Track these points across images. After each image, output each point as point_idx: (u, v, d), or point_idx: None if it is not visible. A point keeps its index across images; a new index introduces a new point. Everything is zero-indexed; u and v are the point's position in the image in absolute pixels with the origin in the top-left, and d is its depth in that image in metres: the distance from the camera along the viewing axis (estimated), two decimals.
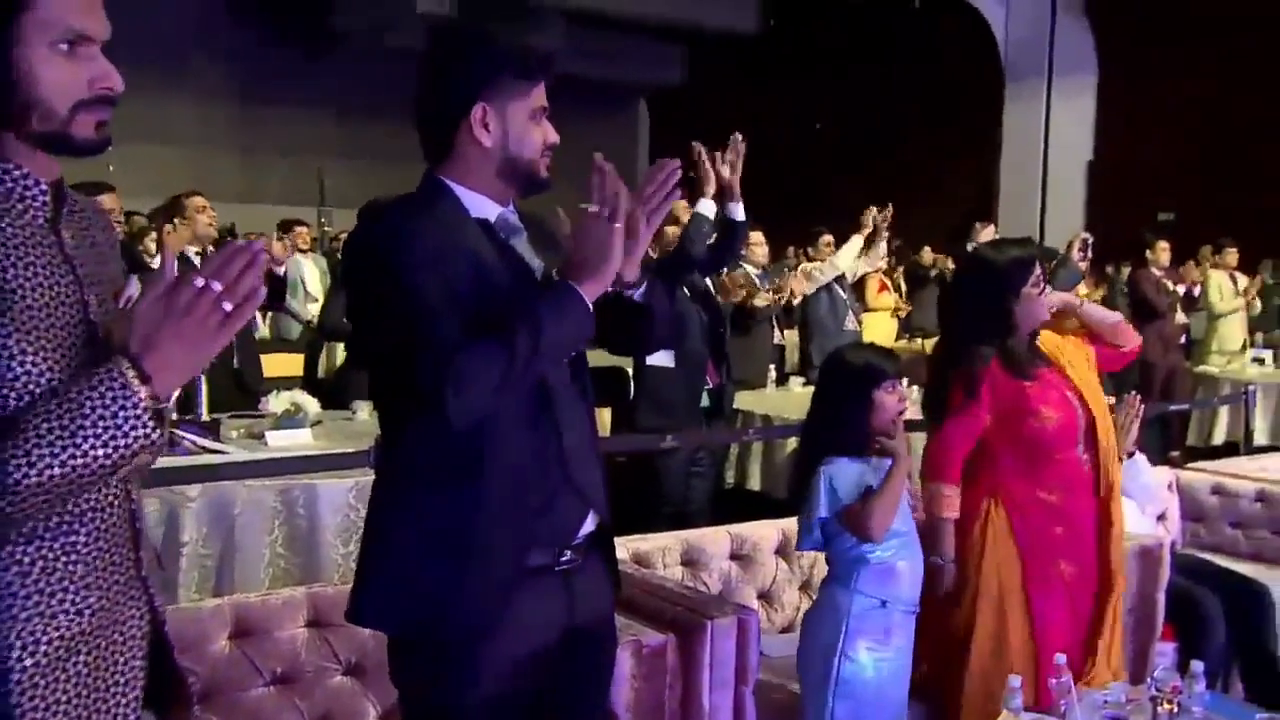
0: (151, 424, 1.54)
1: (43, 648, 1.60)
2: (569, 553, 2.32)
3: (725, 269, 6.82)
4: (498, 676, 2.24)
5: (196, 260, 6.22)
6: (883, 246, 9.00)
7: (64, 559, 1.63)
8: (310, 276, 10.65)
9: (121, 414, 1.52)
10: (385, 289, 2.13)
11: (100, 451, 1.51)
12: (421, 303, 2.09)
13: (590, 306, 2.15)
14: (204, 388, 5.33)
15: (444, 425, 2.08)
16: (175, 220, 6.33)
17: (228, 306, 1.53)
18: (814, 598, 3.65)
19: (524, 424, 2.22)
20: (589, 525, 2.35)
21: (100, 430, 1.51)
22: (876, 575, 3.31)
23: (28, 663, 1.59)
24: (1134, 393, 3.83)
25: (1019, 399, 3.57)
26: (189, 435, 4.74)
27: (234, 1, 18.33)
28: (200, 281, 1.52)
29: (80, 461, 1.50)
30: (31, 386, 1.57)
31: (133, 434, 1.53)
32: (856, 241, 8.63)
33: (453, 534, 2.19)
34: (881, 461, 3.34)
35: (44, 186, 1.67)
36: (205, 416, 5.21)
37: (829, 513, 3.30)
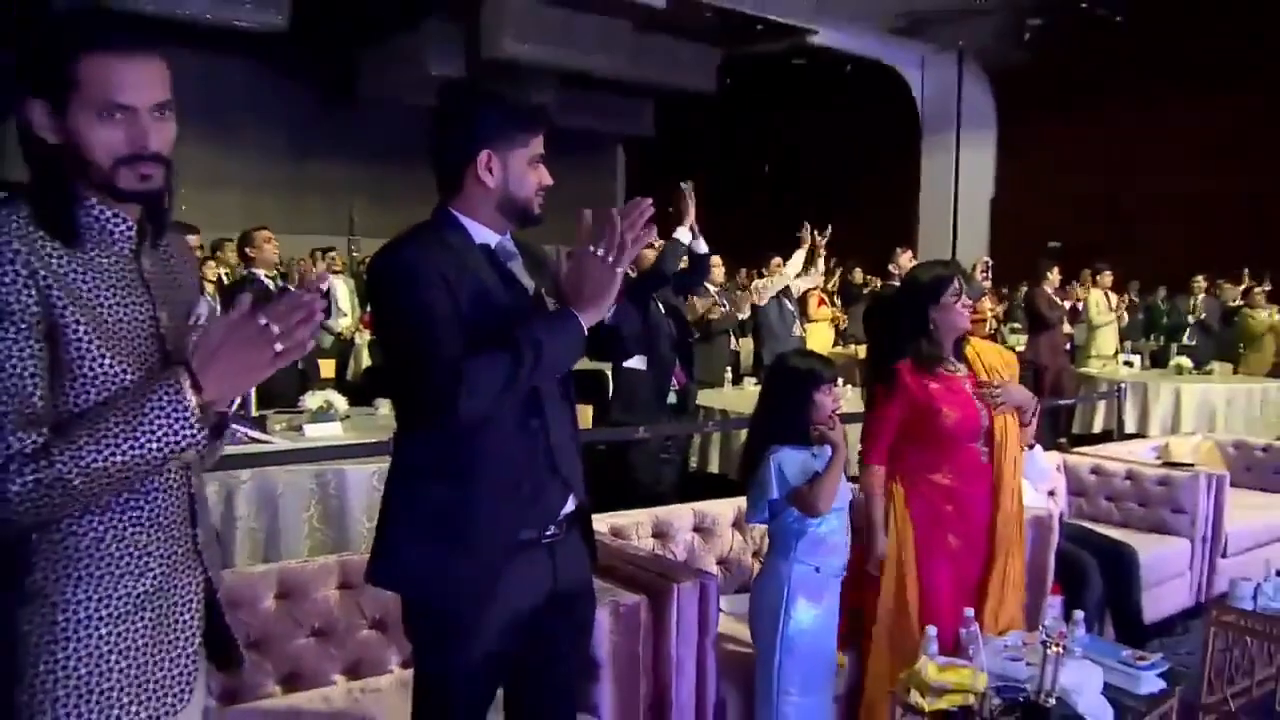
0: (197, 426, 1.57)
1: (114, 603, 1.64)
2: (553, 528, 2.32)
3: (693, 292, 6.86)
4: (493, 635, 2.24)
5: (268, 282, 6.26)
6: (821, 264, 9.00)
7: (130, 530, 1.67)
8: (341, 294, 10.63)
9: (174, 415, 1.55)
10: (402, 307, 2.14)
11: (154, 445, 1.55)
12: (432, 319, 2.10)
13: (585, 332, 2.16)
14: (253, 392, 5.34)
15: (451, 423, 2.09)
16: (248, 249, 6.38)
17: (279, 347, 1.57)
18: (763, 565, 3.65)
19: (517, 423, 2.23)
20: (570, 506, 2.36)
21: (156, 428, 1.54)
22: (812, 545, 3.32)
23: (104, 613, 1.63)
24: (1034, 399, 3.82)
25: (926, 397, 3.59)
26: (241, 428, 4.73)
27: (279, 72, 18.39)
28: (264, 321, 1.56)
29: (137, 452, 1.54)
30: (109, 385, 1.61)
31: (182, 433, 1.56)
32: (800, 255, 8.65)
33: (453, 514, 2.19)
34: (822, 449, 3.35)
35: (131, 223, 1.71)
36: (254, 413, 5.21)
37: (779, 494, 3.31)
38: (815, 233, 8.49)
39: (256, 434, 4.84)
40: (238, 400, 1.73)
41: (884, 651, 3.52)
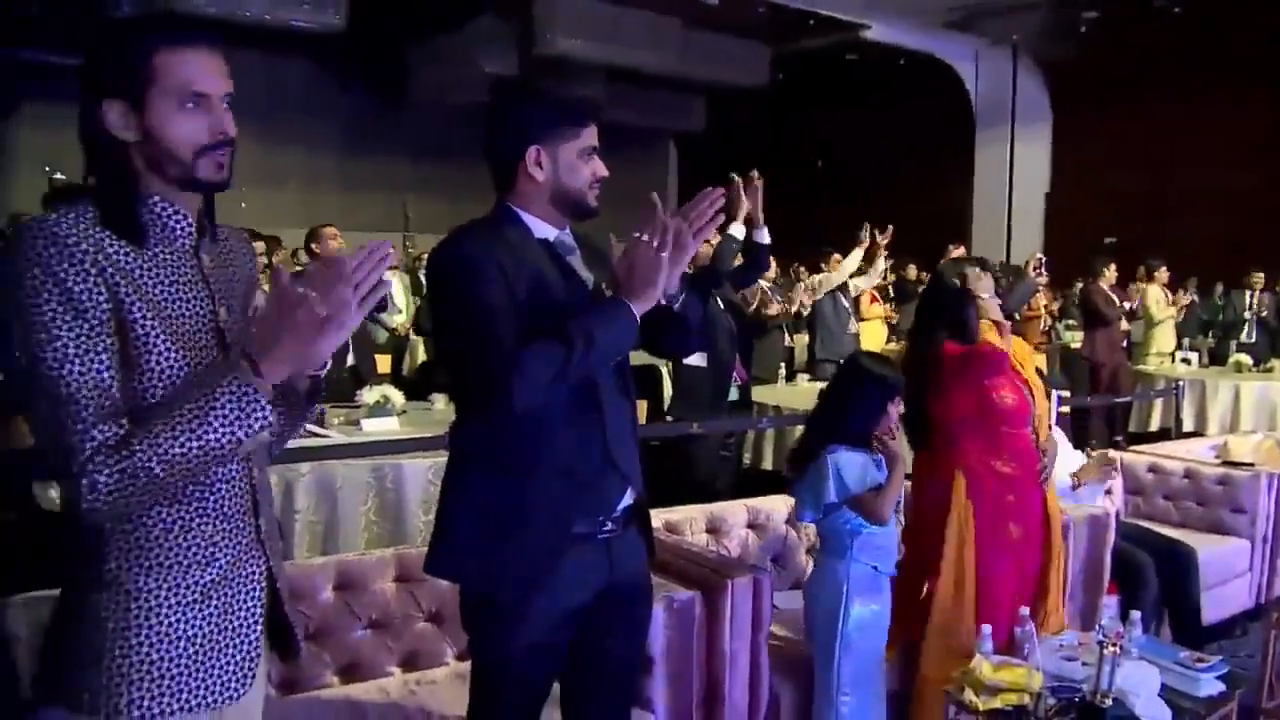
0: (268, 409, 1.61)
1: (183, 591, 1.69)
2: (610, 523, 2.33)
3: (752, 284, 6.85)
4: (546, 627, 2.27)
5: None
6: (881, 263, 8.93)
7: (197, 520, 1.72)
8: (396, 290, 10.70)
9: (244, 400, 1.59)
10: (460, 300, 2.17)
11: (226, 431, 1.59)
12: (489, 311, 2.12)
13: (637, 319, 2.17)
14: None
15: (507, 412, 2.11)
16: (314, 245, 6.47)
17: (322, 312, 1.60)
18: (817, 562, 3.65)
19: (574, 416, 2.24)
20: (628, 499, 2.37)
21: (228, 414, 1.58)
22: (870, 546, 3.31)
23: (174, 600, 1.68)
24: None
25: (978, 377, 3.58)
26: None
27: (334, 71, 18.55)
28: (300, 290, 1.60)
29: (212, 438, 1.58)
30: (173, 378, 1.66)
31: (254, 417, 1.60)
32: (857, 254, 8.59)
33: (509, 505, 2.21)
34: (878, 456, 3.35)
35: (190, 220, 1.76)
36: None
37: (837, 496, 3.29)
38: (876, 232, 8.43)
39: (315, 428, 4.89)
40: (326, 362, 1.76)
41: (939, 649, 3.49)
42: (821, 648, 3.34)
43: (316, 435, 4.82)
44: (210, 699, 1.72)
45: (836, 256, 8.86)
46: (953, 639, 3.48)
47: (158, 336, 1.65)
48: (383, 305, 8.04)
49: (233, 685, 1.76)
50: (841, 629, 3.27)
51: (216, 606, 1.73)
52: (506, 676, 2.30)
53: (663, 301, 2.25)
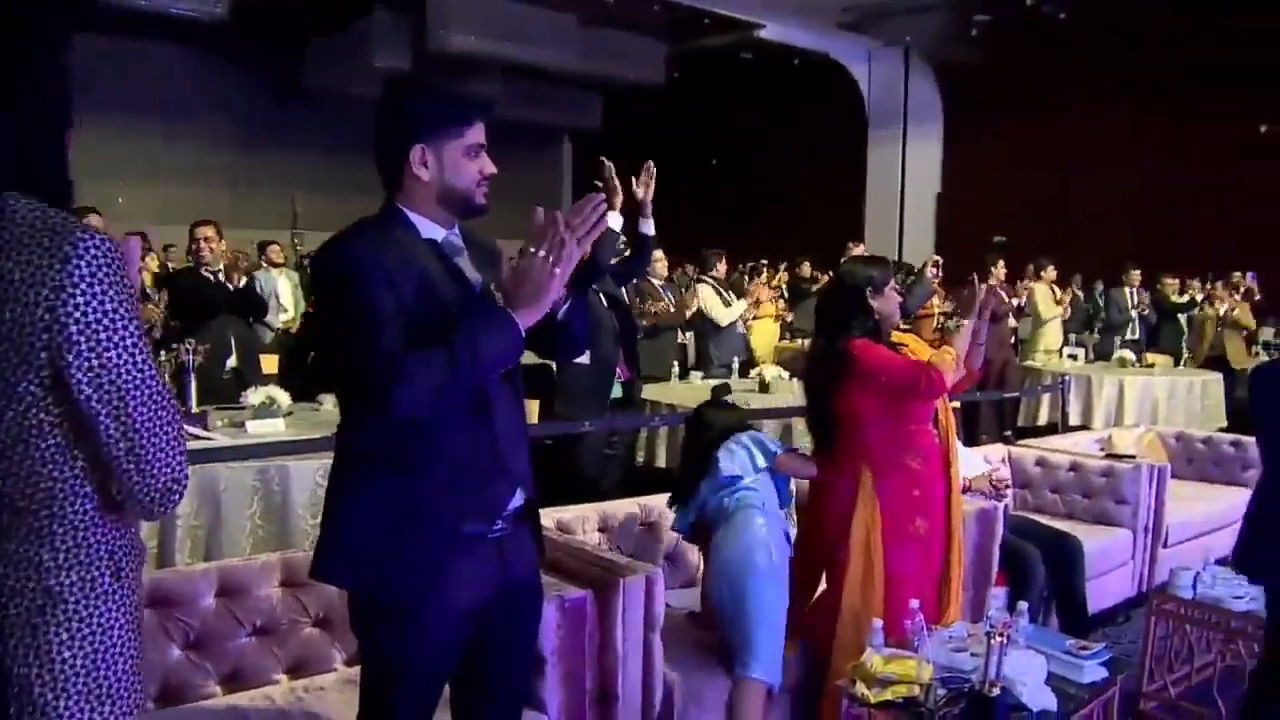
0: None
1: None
2: (500, 523, 2.31)
3: (636, 280, 6.83)
4: (440, 629, 2.24)
5: (210, 275, 6.24)
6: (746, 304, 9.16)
7: None
8: (283, 289, 10.52)
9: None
10: (345, 303, 2.12)
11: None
12: (374, 315, 2.09)
13: (523, 332, 2.16)
14: (193, 388, 5.26)
15: (388, 416, 2.08)
16: (191, 243, 6.45)
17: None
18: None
19: (464, 417, 2.22)
20: (517, 500, 2.35)
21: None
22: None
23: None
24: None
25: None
26: None
27: (221, 63, 18.17)
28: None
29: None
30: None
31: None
32: (739, 306, 8.76)
33: (399, 507, 2.18)
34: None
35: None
36: (195, 409, 5.15)
37: (768, 461, 3.73)
38: (768, 279, 8.54)
39: (197, 430, 4.77)
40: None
41: (851, 646, 3.49)
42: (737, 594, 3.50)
43: (199, 438, 4.70)
44: None
45: (760, 286, 8.97)
46: (863, 635, 3.51)
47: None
48: (265, 306, 7.92)
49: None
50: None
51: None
52: (400, 680, 2.27)
53: (547, 311, 2.24)
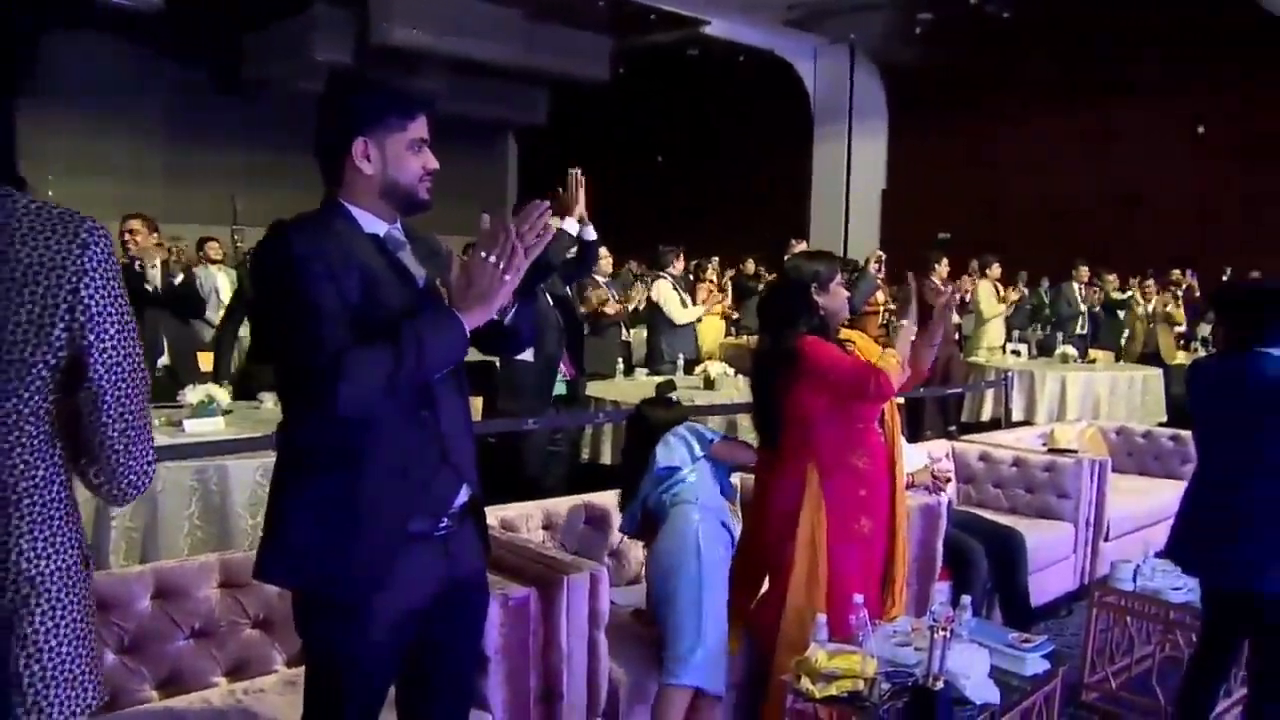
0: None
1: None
2: (446, 520, 2.30)
3: (583, 282, 6.85)
4: (386, 627, 2.22)
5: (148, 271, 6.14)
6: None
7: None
8: (223, 286, 10.37)
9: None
10: (286, 299, 2.10)
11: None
12: (316, 311, 2.06)
13: (468, 334, 2.16)
14: None
15: (331, 412, 2.06)
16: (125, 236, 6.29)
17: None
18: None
19: (408, 413, 2.20)
20: (463, 497, 2.33)
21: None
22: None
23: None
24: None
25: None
26: None
27: (160, 52, 17.90)
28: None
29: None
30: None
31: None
32: (697, 310, 8.79)
33: (343, 505, 2.15)
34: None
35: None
36: None
37: (703, 451, 3.74)
38: (715, 279, 8.57)
39: None
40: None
41: (795, 645, 3.47)
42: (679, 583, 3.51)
43: None
44: None
45: (676, 257, 8.98)
46: (807, 632, 3.51)
47: None
48: (203, 304, 7.79)
49: None
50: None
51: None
52: (345, 680, 2.24)
53: (495, 316, 2.23)
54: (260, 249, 2.18)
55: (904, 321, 3.66)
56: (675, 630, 3.43)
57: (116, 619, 3.05)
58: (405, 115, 2.24)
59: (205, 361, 7.49)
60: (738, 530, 3.80)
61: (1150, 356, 11.45)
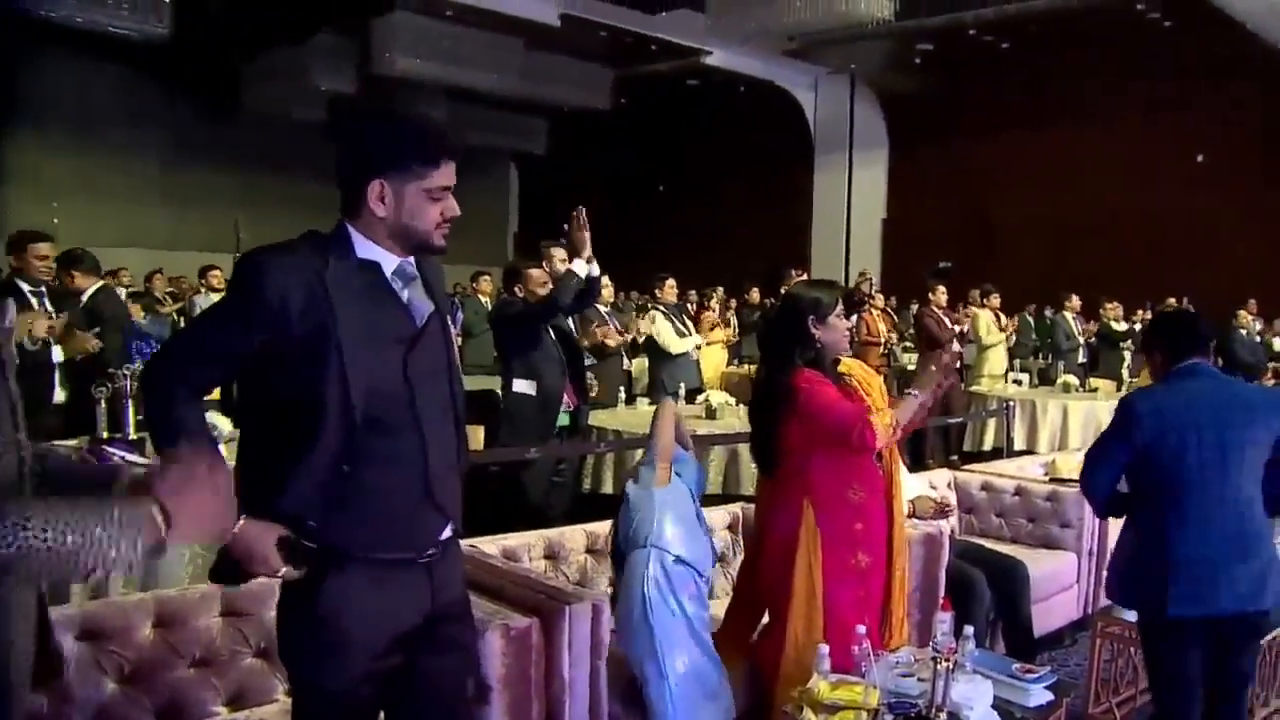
0: None
1: None
2: (432, 548, 2.29)
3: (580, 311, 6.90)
4: (373, 655, 2.21)
5: (31, 297, 5.76)
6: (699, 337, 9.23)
7: None
8: None
9: None
10: (223, 299, 2.20)
11: None
12: (219, 325, 2.15)
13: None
14: (130, 411, 5.18)
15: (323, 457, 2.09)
16: (12, 256, 5.93)
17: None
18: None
19: (394, 452, 2.19)
20: (446, 533, 2.33)
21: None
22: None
23: None
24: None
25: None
26: (118, 451, 4.60)
27: (161, 80, 18.00)
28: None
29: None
30: None
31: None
32: (694, 339, 8.82)
33: (329, 538, 2.14)
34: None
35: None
36: (133, 435, 5.07)
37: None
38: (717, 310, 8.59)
39: (135, 457, 4.69)
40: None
41: (795, 674, 3.42)
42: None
43: (137, 465, 4.63)
44: None
45: (670, 281, 9.00)
46: (808, 663, 3.49)
47: None
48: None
49: None
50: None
51: None
52: (334, 708, 2.23)
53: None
54: (237, 264, 2.21)
55: (915, 392, 3.57)
56: (648, 700, 3.37)
57: (116, 648, 3.03)
58: (428, 162, 2.17)
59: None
60: (720, 547, 3.75)
61: None
